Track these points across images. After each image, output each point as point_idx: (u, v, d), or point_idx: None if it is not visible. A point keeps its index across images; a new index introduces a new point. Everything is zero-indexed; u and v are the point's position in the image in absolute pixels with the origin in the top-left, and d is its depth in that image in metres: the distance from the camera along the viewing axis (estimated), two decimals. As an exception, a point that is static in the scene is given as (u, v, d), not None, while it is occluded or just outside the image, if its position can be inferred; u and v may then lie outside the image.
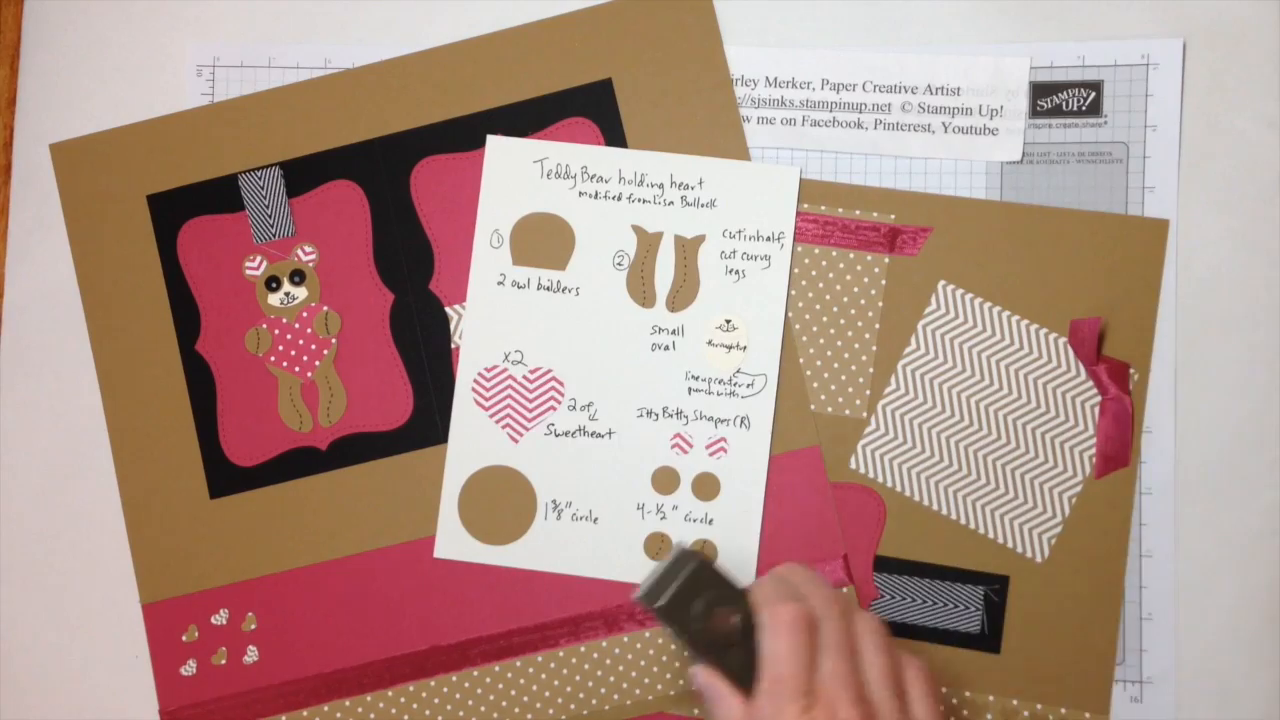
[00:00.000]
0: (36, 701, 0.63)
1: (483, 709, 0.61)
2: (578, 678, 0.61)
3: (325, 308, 0.63)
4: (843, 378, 0.61)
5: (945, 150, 0.62)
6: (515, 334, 0.62)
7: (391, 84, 0.63)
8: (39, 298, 0.64)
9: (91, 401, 0.63)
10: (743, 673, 0.51)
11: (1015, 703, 0.59)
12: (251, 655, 0.62)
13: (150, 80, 0.64)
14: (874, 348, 0.61)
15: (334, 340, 0.63)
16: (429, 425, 0.62)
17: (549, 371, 0.62)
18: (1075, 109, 0.61)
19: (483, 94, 0.63)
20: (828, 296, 0.61)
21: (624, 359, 0.62)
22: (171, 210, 0.63)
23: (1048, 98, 0.61)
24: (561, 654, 0.61)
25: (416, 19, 0.64)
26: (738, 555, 0.60)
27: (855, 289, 0.61)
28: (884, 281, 0.61)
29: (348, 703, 0.61)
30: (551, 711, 0.61)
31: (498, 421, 0.62)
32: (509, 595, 0.61)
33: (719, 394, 0.61)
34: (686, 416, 0.61)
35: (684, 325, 0.62)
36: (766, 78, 0.62)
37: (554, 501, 0.61)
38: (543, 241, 0.62)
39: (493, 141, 0.63)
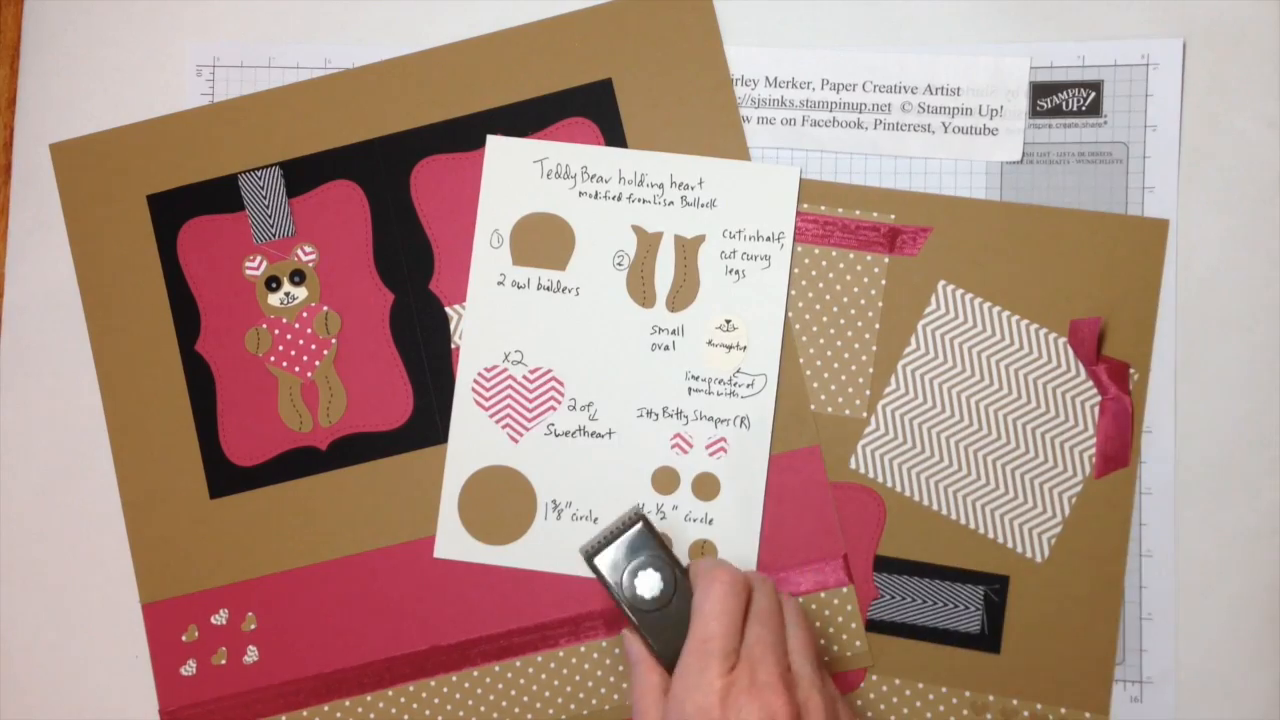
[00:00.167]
0: (36, 701, 0.63)
1: (483, 709, 0.61)
2: (578, 678, 0.61)
3: (325, 308, 0.63)
4: (843, 378, 0.61)
5: (945, 150, 0.62)
6: (515, 334, 0.62)
7: (391, 84, 0.63)
8: (39, 298, 0.64)
9: (91, 401, 0.63)
10: (669, 639, 0.53)
11: (1015, 703, 0.59)
12: (251, 655, 0.62)
13: (150, 80, 0.64)
14: (874, 348, 0.61)
15: (334, 340, 0.63)
16: (429, 425, 0.62)
17: (549, 371, 0.62)
18: (1075, 109, 0.61)
19: (483, 94, 0.63)
20: (828, 296, 0.61)
21: (624, 359, 0.62)
22: (171, 210, 0.63)
23: (1048, 98, 0.61)
24: (561, 654, 0.61)
25: (416, 19, 0.64)
26: (738, 555, 0.60)
27: (855, 289, 0.61)
28: (884, 281, 0.61)
29: (348, 703, 0.61)
30: (552, 711, 0.61)
31: (498, 421, 0.62)
32: (509, 595, 0.61)
33: (719, 394, 0.61)
34: (686, 416, 0.61)
35: (684, 325, 0.61)
36: (766, 78, 0.62)
37: (554, 501, 0.61)
38: (543, 241, 0.62)
39: (493, 141, 0.63)
